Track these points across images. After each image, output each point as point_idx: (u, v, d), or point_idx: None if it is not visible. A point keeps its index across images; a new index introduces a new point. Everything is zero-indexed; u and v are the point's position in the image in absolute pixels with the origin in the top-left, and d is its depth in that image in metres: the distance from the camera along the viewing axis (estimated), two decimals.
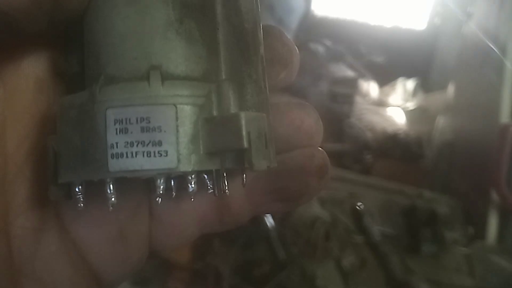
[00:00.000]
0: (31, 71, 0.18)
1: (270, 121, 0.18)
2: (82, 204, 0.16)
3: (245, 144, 0.15)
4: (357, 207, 0.98)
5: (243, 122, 0.15)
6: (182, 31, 0.16)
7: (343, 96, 1.69)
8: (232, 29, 0.18)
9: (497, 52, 1.03)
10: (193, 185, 0.16)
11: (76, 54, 0.18)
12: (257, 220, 0.88)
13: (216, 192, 0.18)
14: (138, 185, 0.20)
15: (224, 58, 0.17)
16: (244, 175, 0.19)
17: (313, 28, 1.95)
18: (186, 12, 0.16)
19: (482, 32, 1.17)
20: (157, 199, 0.16)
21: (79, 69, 0.18)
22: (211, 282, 0.76)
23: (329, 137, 1.55)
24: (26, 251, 0.18)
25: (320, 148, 0.21)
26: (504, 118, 0.96)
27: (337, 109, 1.71)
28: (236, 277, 0.77)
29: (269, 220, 0.90)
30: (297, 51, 0.22)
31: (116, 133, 0.15)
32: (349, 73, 1.81)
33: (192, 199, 0.17)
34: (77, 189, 0.16)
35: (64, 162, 0.16)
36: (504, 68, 1.00)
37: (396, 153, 1.36)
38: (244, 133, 0.15)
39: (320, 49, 1.84)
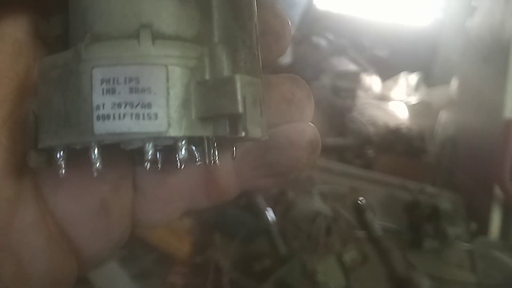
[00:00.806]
0: (10, 33, 0.17)
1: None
2: (63, 171, 0.15)
3: (240, 109, 0.15)
4: (359, 202, 0.98)
5: (238, 85, 0.15)
6: None
7: (345, 90, 1.68)
8: None
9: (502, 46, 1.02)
10: (183, 152, 0.15)
11: (59, 15, 0.17)
12: (258, 214, 0.87)
13: (206, 161, 0.17)
14: (121, 157, 0.19)
15: (217, 22, 0.16)
16: (234, 147, 0.18)
17: (315, 21, 1.94)
18: None
19: (486, 26, 1.16)
20: (146, 165, 0.15)
21: (62, 31, 0.17)
22: (211, 277, 0.76)
23: (331, 132, 1.55)
24: (1, 222, 0.17)
25: (310, 124, 0.21)
26: (508, 113, 0.95)
27: (339, 103, 1.70)
28: (236, 272, 0.77)
29: (270, 214, 0.89)
30: (290, 23, 0.21)
31: (103, 93, 0.14)
32: (352, 67, 1.80)
33: (183, 166, 0.16)
34: (58, 155, 0.15)
35: (45, 125, 0.15)
36: (508, 63, 0.99)
37: (399, 148, 1.36)
38: (239, 97, 0.15)
39: (323, 42, 1.83)
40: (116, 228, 0.21)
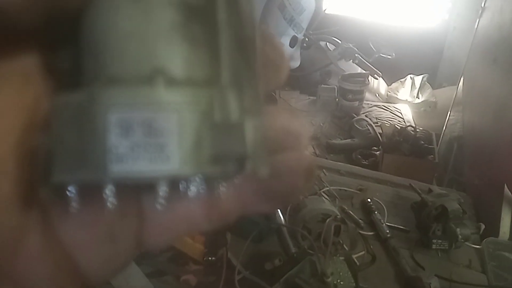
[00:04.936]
0: (18, 64, 0.17)
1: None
2: (75, 205, 0.16)
3: (249, 152, 0.16)
4: (367, 203, 0.98)
5: (247, 129, 0.16)
6: (187, 34, 0.16)
7: (353, 93, 1.69)
8: (234, 34, 0.18)
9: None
10: (193, 189, 0.16)
11: (66, 50, 0.18)
12: (269, 215, 0.88)
13: (214, 195, 0.18)
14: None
15: (225, 64, 0.17)
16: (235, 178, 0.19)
17: (323, 25, 1.95)
18: (191, 15, 0.16)
19: (496, 26, 1.16)
20: (158, 205, 0.16)
21: (71, 64, 0.18)
22: (224, 275, 0.76)
23: (339, 133, 1.56)
24: (6, 251, 0.17)
25: (306, 152, 0.22)
26: None
27: (347, 105, 1.71)
28: (248, 271, 0.77)
29: (280, 215, 0.90)
30: (287, 55, 0.22)
31: (117, 136, 0.15)
32: (359, 69, 1.81)
33: (191, 203, 0.17)
34: (70, 189, 0.16)
35: (58, 161, 0.16)
36: None
37: (406, 149, 1.36)
38: (248, 141, 0.16)
39: (330, 46, 1.84)
40: (122, 254, 0.21)
